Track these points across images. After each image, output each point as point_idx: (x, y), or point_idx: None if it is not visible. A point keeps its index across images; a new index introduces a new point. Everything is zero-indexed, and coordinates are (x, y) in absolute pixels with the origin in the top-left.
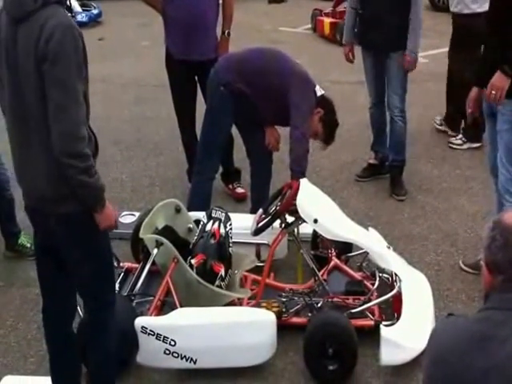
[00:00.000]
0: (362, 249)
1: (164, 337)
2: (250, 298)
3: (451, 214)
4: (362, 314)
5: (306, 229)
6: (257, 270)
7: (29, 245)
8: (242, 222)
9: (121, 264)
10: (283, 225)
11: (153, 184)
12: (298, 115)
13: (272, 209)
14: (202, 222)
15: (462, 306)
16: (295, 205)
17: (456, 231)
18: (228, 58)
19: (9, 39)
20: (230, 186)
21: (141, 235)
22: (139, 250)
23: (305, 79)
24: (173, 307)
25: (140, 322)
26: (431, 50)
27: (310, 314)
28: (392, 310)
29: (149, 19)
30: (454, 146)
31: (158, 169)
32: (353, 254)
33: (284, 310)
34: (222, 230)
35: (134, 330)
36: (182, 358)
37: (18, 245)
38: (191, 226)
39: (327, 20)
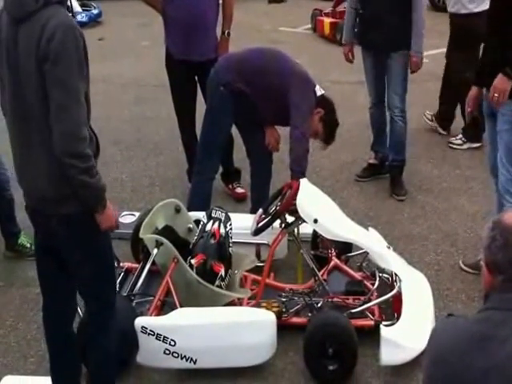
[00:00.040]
0: (361, 249)
1: (164, 337)
2: (250, 298)
3: (451, 214)
4: (361, 314)
5: (306, 229)
6: (257, 270)
7: (28, 245)
8: (242, 222)
9: (121, 264)
10: (283, 225)
11: (153, 184)
12: (297, 115)
13: (272, 209)
14: (202, 222)
15: (461, 305)
16: (295, 205)
17: (456, 231)
18: (228, 57)
19: (9, 39)
20: (230, 186)
21: (141, 235)
22: (139, 250)
23: (305, 79)
24: (173, 307)
25: (140, 321)
26: (431, 49)
27: (309, 314)
28: (392, 309)
29: (149, 19)
30: (454, 146)
31: (158, 169)
32: (353, 254)
33: (284, 309)
34: (222, 230)
35: (134, 329)
36: (181, 358)
37: (17, 245)
38: (191, 226)
39: (327, 20)
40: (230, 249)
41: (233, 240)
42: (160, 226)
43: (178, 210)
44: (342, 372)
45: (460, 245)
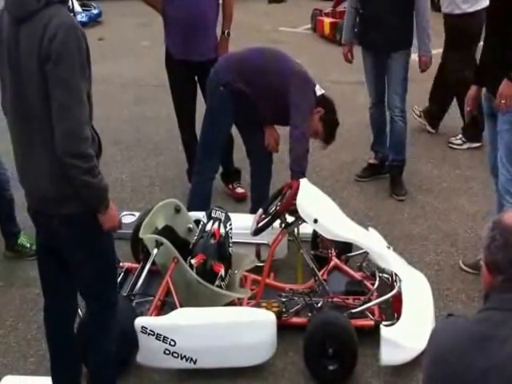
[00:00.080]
0: (361, 249)
1: (164, 337)
2: (250, 298)
3: (451, 213)
4: (362, 314)
5: (306, 229)
6: (257, 270)
7: (28, 245)
8: (242, 222)
9: (121, 264)
10: (283, 225)
11: (153, 184)
12: (297, 115)
13: (272, 209)
14: (202, 222)
15: (461, 305)
16: (295, 205)
17: (456, 231)
18: (228, 57)
19: (11, 39)
20: (230, 186)
21: (141, 235)
22: (139, 250)
23: (305, 79)
24: (173, 307)
25: (140, 321)
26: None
27: (309, 314)
28: (392, 309)
29: (149, 19)
30: (454, 146)
31: (158, 169)
32: (353, 254)
33: (284, 309)
34: (222, 230)
35: (134, 329)
36: (181, 358)
37: (17, 245)
38: (191, 226)
39: (327, 20)
40: (230, 249)
41: (233, 240)
42: (160, 226)
43: (177, 210)
44: (342, 372)
45: (460, 245)
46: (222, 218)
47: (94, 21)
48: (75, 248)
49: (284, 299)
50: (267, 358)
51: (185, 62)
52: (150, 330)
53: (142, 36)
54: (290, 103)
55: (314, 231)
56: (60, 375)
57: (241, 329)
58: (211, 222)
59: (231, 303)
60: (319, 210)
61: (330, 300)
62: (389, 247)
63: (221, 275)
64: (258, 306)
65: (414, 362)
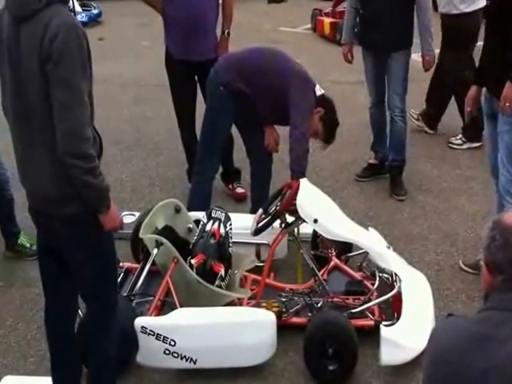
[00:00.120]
0: (361, 249)
1: (164, 337)
2: (250, 298)
3: (451, 213)
4: (362, 314)
5: (306, 229)
6: (257, 270)
7: (28, 245)
8: (242, 222)
9: (121, 264)
10: (283, 225)
11: (153, 184)
12: (297, 115)
13: (272, 209)
14: (201, 222)
15: (461, 305)
16: (295, 205)
17: (456, 231)
18: (228, 57)
19: (11, 38)
20: (230, 186)
21: (141, 235)
22: (139, 250)
23: (304, 79)
24: (173, 307)
25: (140, 322)
26: None
27: (309, 314)
28: (392, 309)
29: (149, 19)
30: (454, 146)
31: (158, 169)
32: (353, 254)
33: (284, 309)
34: (222, 230)
35: (134, 330)
36: (181, 358)
37: (17, 245)
38: (191, 226)
39: (327, 20)
40: (230, 249)
41: (233, 240)
42: (160, 226)
43: (177, 210)
44: (342, 372)
45: (460, 245)
46: (222, 218)
47: (94, 21)
48: (76, 248)
49: (284, 299)
50: (267, 358)
51: (185, 61)
52: (150, 330)
53: (142, 36)
54: (290, 103)
55: (314, 231)
56: (60, 375)
57: (241, 329)
58: (211, 222)
59: (231, 303)
60: (319, 210)
61: (329, 300)
62: (389, 247)
63: (221, 275)
64: (258, 306)
65: (414, 362)
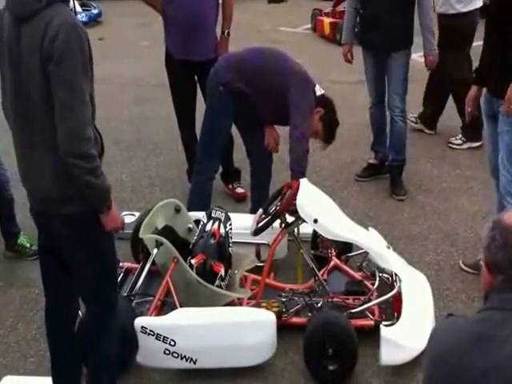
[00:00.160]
0: (361, 249)
1: (164, 337)
2: (250, 298)
3: (451, 213)
4: (362, 314)
5: (306, 229)
6: (257, 270)
7: (28, 245)
8: (242, 222)
9: (121, 264)
10: (283, 225)
11: (153, 184)
12: (297, 115)
13: (272, 209)
14: (201, 222)
15: (461, 305)
16: (295, 205)
17: (456, 231)
18: (227, 57)
19: (12, 38)
20: (230, 186)
21: (141, 235)
22: (139, 250)
23: (304, 79)
24: (173, 307)
25: (140, 322)
26: None
27: (309, 314)
28: (392, 309)
29: (149, 19)
30: (454, 146)
31: (158, 169)
32: (353, 254)
33: (284, 309)
34: (222, 230)
35: (134, 330)
36: (181, 358)
37: (17, 245)
38: (191, 226)
39: (327, 20)
40: (230, 249)
41: (233, 240)
42: (160, 226)
43: (177, 210)
44: (342, 372)
45: (460, 245)
46: (222, 218)
47: (94, 21)
48: (76, 248)
49: (284, 299)
50: (267, 358)
51: (185, 61)
52: (150, 330)
53: (142, 36)
54: (290, 103)
55: (314, 231)
56: (60, 375)
57: (241, 329)
58: (211, 221)
59: (231, 303)
60: (319, 210)
61: (329, 300)
62: (389, 247)
63: (221, 275)
64: (258, 306)
65: (414, 362)
